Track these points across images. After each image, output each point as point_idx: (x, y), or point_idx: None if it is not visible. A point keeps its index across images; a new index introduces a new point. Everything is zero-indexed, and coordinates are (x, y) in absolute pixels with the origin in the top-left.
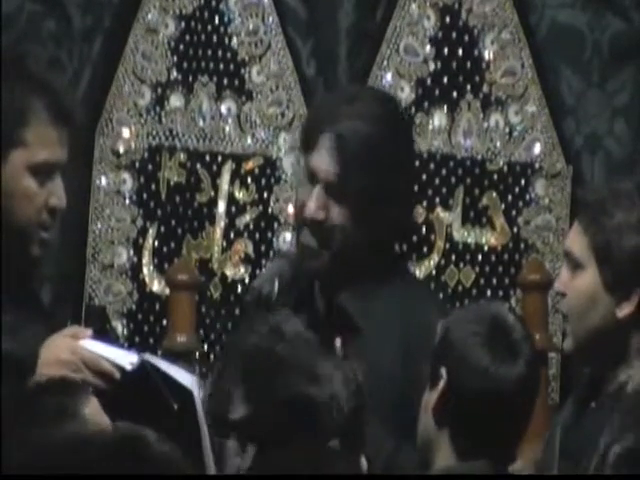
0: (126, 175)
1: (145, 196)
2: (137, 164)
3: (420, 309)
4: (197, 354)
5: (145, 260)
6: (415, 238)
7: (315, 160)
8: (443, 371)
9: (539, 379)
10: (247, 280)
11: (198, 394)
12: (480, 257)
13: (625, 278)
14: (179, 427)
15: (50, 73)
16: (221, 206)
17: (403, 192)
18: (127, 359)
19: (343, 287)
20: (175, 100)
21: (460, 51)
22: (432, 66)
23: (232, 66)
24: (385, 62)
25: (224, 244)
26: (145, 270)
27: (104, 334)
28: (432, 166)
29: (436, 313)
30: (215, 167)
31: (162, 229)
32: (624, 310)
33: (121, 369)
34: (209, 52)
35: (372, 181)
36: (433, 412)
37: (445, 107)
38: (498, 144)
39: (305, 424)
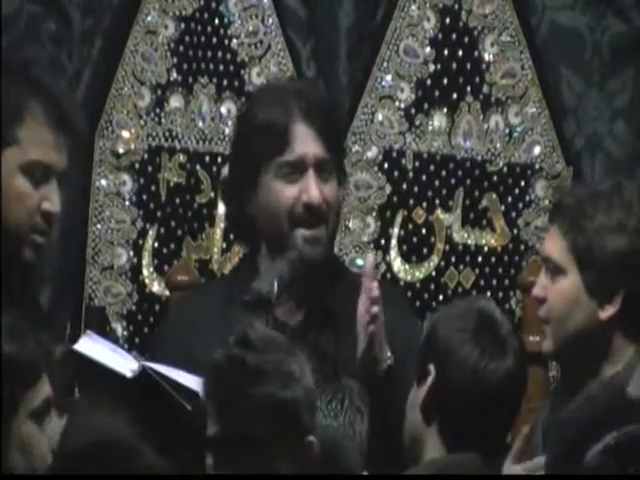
0: (126, 176)
1: (145, 197)
2: (137, 165)
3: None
4: None
5: (145, 261)
6: (415, 239)
7: (300, 148)
8: (431, 367)
9: (527, 373)
10: None
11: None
12: (480, 258)
13: (607, 280)
14: (191, 428)
15: (52, 77)
16: (221, 207)
17: None
18: (127, 366)
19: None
20: (175, 101)
21: (460, 52)
22: (432, 67)
23: (232, 67)
24: (385, 63)
25: (224, 245)
26: (145, 271)
27: (103, 335)
28: (432, 167)
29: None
30: (215, 168)
31: (162, 230)
32: (607, 312)
33: (121, 377)
34: (209, 53)
35: (345, 149)
36: (421, 408)
37: (445, 108)
38: (498, 145)
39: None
